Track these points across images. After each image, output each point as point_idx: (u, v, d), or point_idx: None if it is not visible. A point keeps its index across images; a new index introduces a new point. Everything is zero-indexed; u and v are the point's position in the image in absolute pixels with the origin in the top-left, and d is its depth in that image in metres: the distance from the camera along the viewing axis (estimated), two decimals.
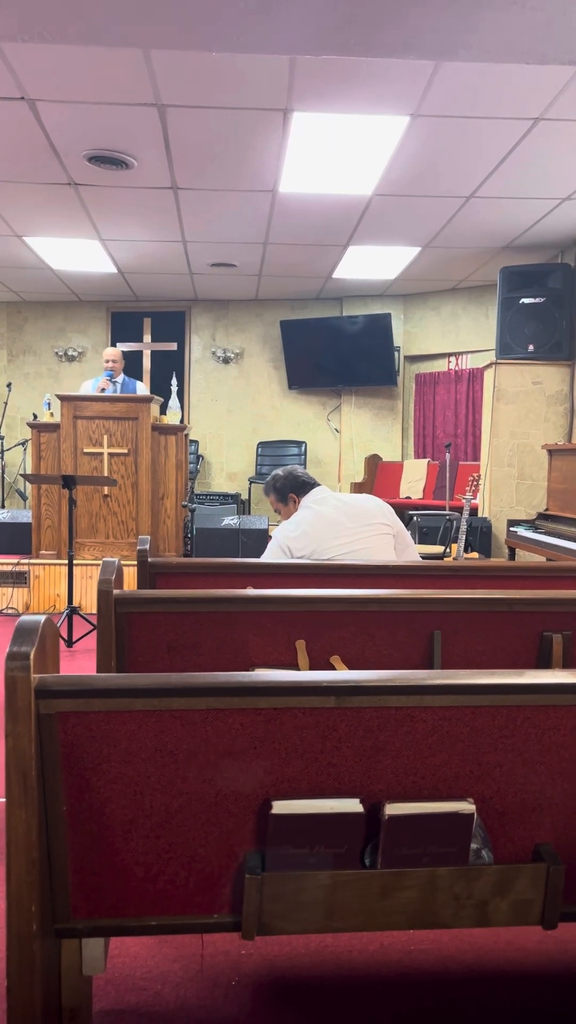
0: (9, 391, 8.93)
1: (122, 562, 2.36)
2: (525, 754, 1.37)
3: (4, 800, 1.24)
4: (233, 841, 1.37)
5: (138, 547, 2.75)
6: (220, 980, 1.77)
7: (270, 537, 3.14)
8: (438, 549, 6.16)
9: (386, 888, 1.36)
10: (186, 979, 1.78)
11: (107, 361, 6.53)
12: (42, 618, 1.30)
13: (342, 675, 1.33)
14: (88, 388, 6.49)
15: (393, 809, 1.32)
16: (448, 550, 6.12)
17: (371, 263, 7.45)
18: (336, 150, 4.73)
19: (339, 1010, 1.70)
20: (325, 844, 1.34)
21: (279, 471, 3.28)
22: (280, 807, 1.31)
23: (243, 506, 8.96)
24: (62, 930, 1.39)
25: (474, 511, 6.54)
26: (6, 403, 8.93)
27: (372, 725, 1.34)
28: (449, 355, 8.77)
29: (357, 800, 1.33)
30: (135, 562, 3.48)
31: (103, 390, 6.35)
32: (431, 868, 1.35)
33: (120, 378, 6.58)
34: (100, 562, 5.85)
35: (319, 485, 3.22)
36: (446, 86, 3.90)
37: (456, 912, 1.38)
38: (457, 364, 8.76)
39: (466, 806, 1.34)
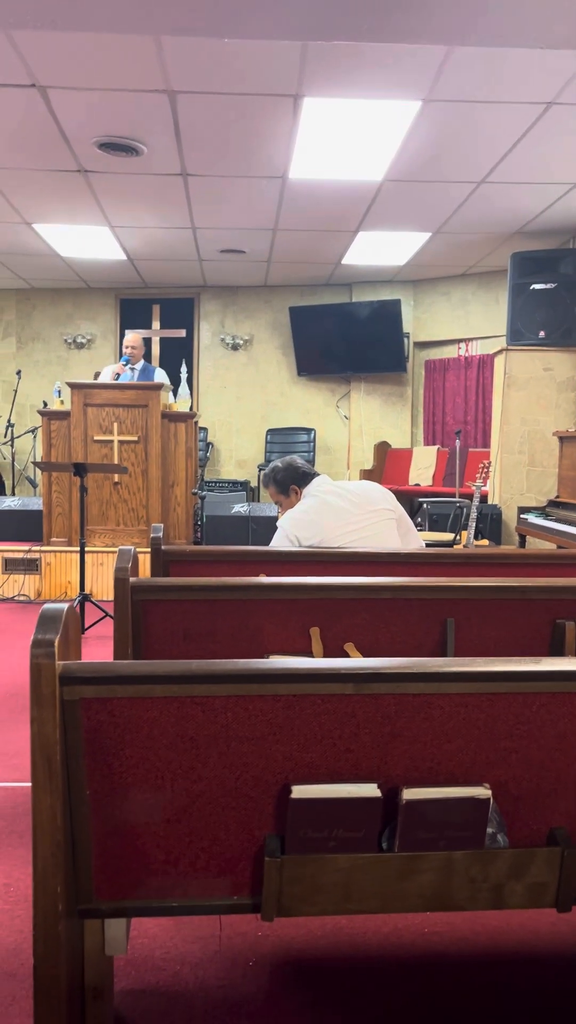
0: (18, 378, 8.95)
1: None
2: (540, 740, 1.39)
3: (30, 785, 1.26)
4: (253, 825, 1.39)
5: (151, 535, 2.77)
6: (238, 961, 1.81)
7: (278, 526, 3.15)
8: (448, 536, 6.17)
9: (403, 871, 1.38)
10: (205, 960, 1.81)
11: (126, 347, 6.55)
12: (65, 606, 1.32)
13: (360, 663, 1.35)
14: (107, 374, 6.51)
15: (410, 794, 1.34)
16: (458, 537, 6.13)
17: (381, 249, 7.43)
18: (346, 136, 4.72)
19: (354, 991, 1.73)
20: (343, 828, 1.36)
21: (277, 462, 3.26)
22: (299, 791, 1.33)
23: (252, 493, 8.97)
24: (85, 911, 1.42)
25: (484, 498, 6.54)
26: (15, 391, 8.95)
27: (390, 712, 1.35)
28: (459, 341, 8.75)
29: (375, 785, 1.35)
30: (147, 549, 3.51)
31: (118, 376, 6.36)
32: (447, 852, 1.37)
33: (139, 364, 6.59)
34: (111, 549, 5.89)
35: (319, 475, 3.22)
36: (457, 70, 3.87)
37: (472, 895, 1.41)
38: (467, 350, 8.73)
39: (482, 791, 1.36)
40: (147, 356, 9.22)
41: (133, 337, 6.62)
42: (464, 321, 8.58)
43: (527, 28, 3.19)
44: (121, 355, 6.60)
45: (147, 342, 9.25)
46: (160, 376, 6.58)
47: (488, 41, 3.27)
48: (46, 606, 1.31)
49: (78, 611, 4.95)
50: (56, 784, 1.27)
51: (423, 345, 9.01)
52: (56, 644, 1.25)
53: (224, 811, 1.38)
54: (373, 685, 1.33)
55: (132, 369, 6.51)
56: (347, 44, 3.54)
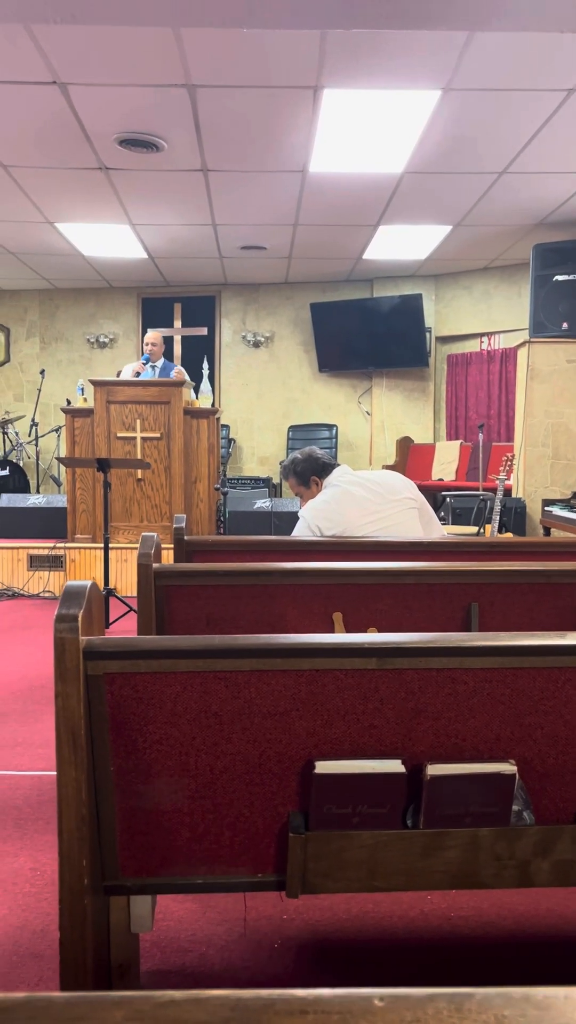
0: (42, 378, 9.02)
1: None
2: (566, 716, 1.37)
3: (55, 773, 1.27)
4: (277, 801, 1.39)
5: (174, 525, 2.78)
6: (263, 943, 1.81)
7: (300, 516, 3.14)
8: (472, 530, 6.13)
9: (428, 848, 1.37)
10: (230, 942, 1.81)
11: (147, 344, 6.59)
12: (88, 583, 1.32)
13: (383, 637, 1.35)
14: (128, 372, 6.56)
15: (435, 770, 1.33)
16: (482, 531, 6.09)
17: (402, 243, 7.40)
18: (366, 127, 4.71)
19: (380, 973, 1.72)
20: (367, 804, 1.35)
21: (297, 454, 3.24)
22: (323, 767, 1.33)
23: (274, 489, 8.98)
24: (111, 887, 1.42)
25: (508, 492, 6.49)
26: (39, 390, 9.03)
27: (413, 687, 1.35)
28: (481, 335, 8.70)
29: (399, 761, 1.34)
30: (169, 545, 3.52)
31: (138, 374, 6.40)
32: (473, 829, 1.36)
33: (160, 362, 6.63)
34: (135, 545, 5.91)
35: (340, 465, 3.20)
36: (478, 58, 3.85)
37: (497, 872, 1.39)
38: (489, 344, 8.68)
39: (507, 767, 1.34)
40: (169, 355, 9.29)
41: (153, 335, 6.66)
42: (486, 315, 8.53)
43: (550, 13, 3.16)
44: (142, 354, 6.64)
45: (169, 340, 9.30)
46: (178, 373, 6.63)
47: (510, 26, 3.25)
48: (70, 583, 1.32)
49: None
50: (81, 758, 1.27)
51: (445, 339, 8.96)
52: (80, 619, 1.26)
53: (248, 787, 1.38)
54: (396, 660, 1.32)
55: (153, 367, 6.55)
56: (366, 33, 3.53)
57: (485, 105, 4.41)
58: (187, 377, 6.49)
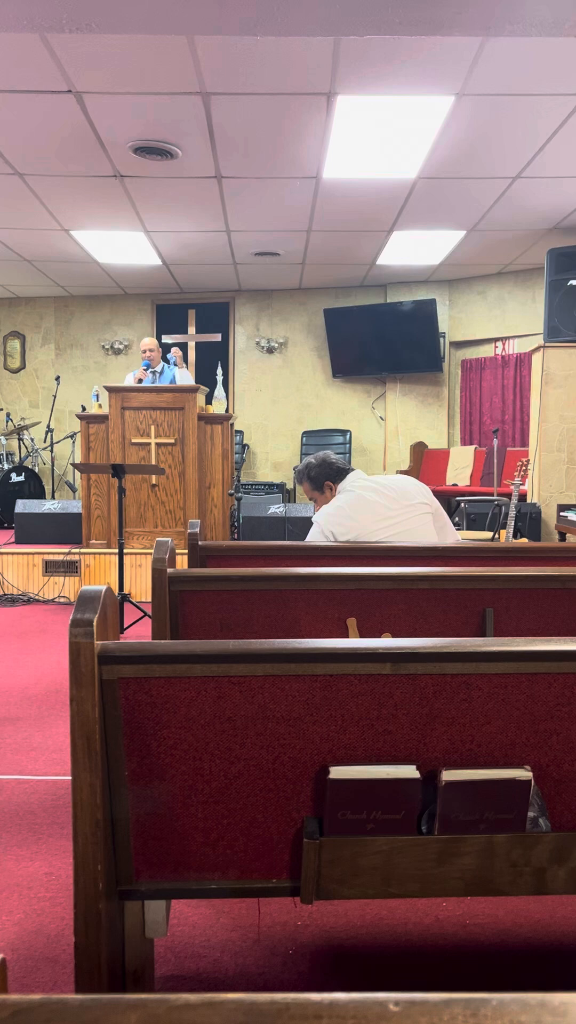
0: (58, 384, 9.08)
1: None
2: None
3: (70, 778, 1.27)
4: (291, 806, 1.39)
5: (188, 531, 2.78)
6: (277, 949, 1.80)
7: (313, 522, 3.13)
8: (486, 535, 6.11)
9: (443, 854, 1.36)
10: (244, 948, 1.81)
11: (144, 351, 6.64)
12: (103, 587, 1.33)
13: (398, 642, 1.34)
14: (129, 380, 6.60)
15: (450, 775, 1.33)
16: (496, 536, 6.07)
17: (415, 248, 7.40)
18: (380, 133, 4.71)
19: (395, 981, 1.71)
20: (382, 810, 1.35)
21: (311, 458, 3.22)
22: (337, 772, 1.32)
23: (288, 495, 8.99)
24: (125, 892, 1.42)
25: (523, 497, 6.47)
26: (55, 396, 9.08)
27: (428, 692, 1.34)
28: (495, 340, 8.68)
29: (413, 766, 1.34)
30: (184, 550, 3.52)
31: (140, 380, 6.44)
32: (488, 835, 1.35)
33: (160, 367, 6.66)
34: (149, 551, 5.93)
35: (354, 470, 3.19)
36: (492, 63, 3.85)
37: (513, 879, 1.39)
38: (504, 349, 8.66)
39: (523, 773, 1.34)
40: (183, 361, 9.33)
41: (149, 341, 6.73)
42: (500, 320, 8.51)
43: (564, 18, 3.16)
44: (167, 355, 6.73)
45: (183, 347, 9.33)
46: (181, 377, 6.66)
47: (524, 32, 3.25)
48: (84, 587, 1.32)
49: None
50: (96, 762, 1.28)
51: (459, 345, 8.95)
52: (95, 623, 1.27)
53: (262, 792, 1.38)
54: (411, 665, 1.32)
55: (154, 372, 6.59)
56: (379, 39, 3.54)
57: (498, 110, 4.41)
58: (184, 365, 6.54)
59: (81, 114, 4.48)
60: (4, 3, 2.87)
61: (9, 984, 1.69)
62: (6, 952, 1.81)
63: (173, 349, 6.89)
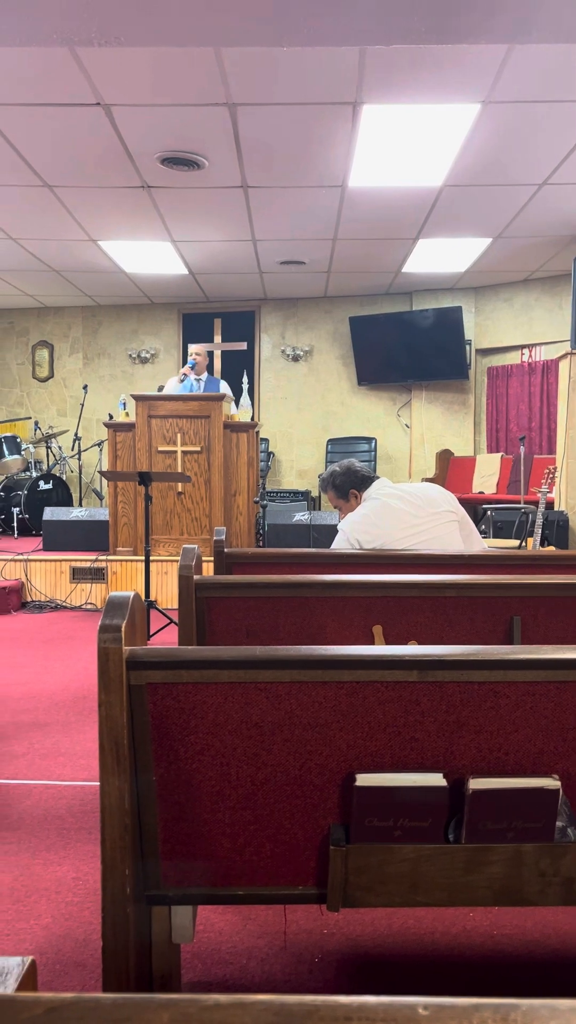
0: (85, 393, 9.16)
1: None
2: None
3: (99, 783, 1.28)
4: (317, 813, 1.39)
5: (215, 538, 2.80)
6: (304, 957, 1.80)
7: (339, 529, 3.13)
8: (513, 543, 6.07)
9: (470, 863, 1.36)
10: (271, 955, 1.81)
11: (193, 355, 6.73)
12: (131, 594, 1.34)
13: (425, 649, 1.34)
14: (171, 384, 6.67)
15: (477, 784, 1.32)
16: (523, 544, 6.03)
17: (441, 256, 7.39)
18: (405, 142, 4.72)
19: (421, 990, 1.70)
20: (409, 818, 1.34)
21: (336, 466, 3.22)
22: (364, 780, 1.33)
23: (313, 503, 8.99)
24: (153, 897, 1.43)
25: (550, 505, 6.42)
26: (82, 405, 9.17)
27: (455, 700, 1.34)
28: (522, 347, 8.63)
29: (440, 774, 1.33)
30: (210, 558, 3.54)
31: (184, 377, 6.52)
32: (516, 844, 1.35)
33: (204, 376, 6.73)
34: (175, 558, 5.97)
35: (379, 478, 3.18)
36: (519, 70, 3.85)
37: (541, 889, 1.37)
38: (530, 356, 8.61)
39: (551, 782, 1.33)
40: (209, 369, 9.39)
41: (200, 347, 6.81)
42: (527, 327, 8.47)
43: None
44: (186, 362, 6.81)
45: (209, 355, 9.40)
46: (224, 389, 6.70)
47: (551, 38, 3.24)
48: (113, 593, 1.33)
49: None
50: (124, 767, 1.29)
51: (485, 352, 8.91)
52: (123, 629, 1.28)
53: (289, 799, 1.39)
54: (438, 672, 1.31)
55: (198, 380, 6.64)
56: (405, 48, 3.55)
57: (525, 117, 4.40)
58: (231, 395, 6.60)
59: (109, 126, 4.53)
60: (36, 18, 2.92)
61: (38, 987, 1.71)
62: (35, 955, 1.82)
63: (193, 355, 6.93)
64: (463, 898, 1.38)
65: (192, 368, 6.62)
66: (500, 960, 1.78)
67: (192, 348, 6.81)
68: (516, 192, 5.64)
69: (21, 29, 3.04)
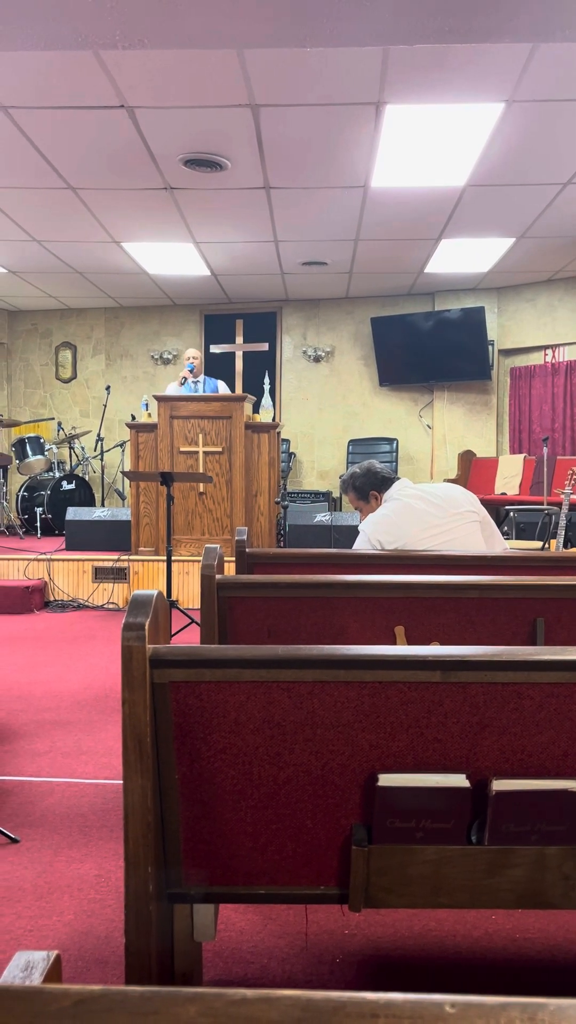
0: (108, 394, 9.22)
1: None
2: None
3: (121, 781, 1.29)
4: (339, 813, 1.39)
5: (236, 537, 2.80)
6: (324, 957, 1.80)
7: (360, 530, 3.12)
8: (536, 545, 6.03)
9: (493, 865, 1.35)
10: (292, 955, 1.81)
11: (189, 359, 6.81)
12: (154, 592, 1.35)
13: (448, 650, 1.34)
14: (174, 388, 6.73)
15: (500, 785, 1.32)
16: (547, 546, 5.98)
17: (464, 256, 7.36)
18: (428, 142, 4.71)
19: (443, 993, 1.69)
20: (431, 819, 1.34)
21: (356, 468, 3.21)
22: (386, 780, 1.32)
23: (334, 504, 8.98)
24: (175, 895, 1.44)
25: (573, 506, 6.37)
26: (105, 406, 9.22)
27: (478, 701, 1.33)
28: (545, 348, 8.57)
29: (463, 775, 1.33)
30: (231, 558, 3.56)
31: (184, 380, 6.60)
32: (539, 847, 1.34)
33: (201, 377, 6.78)
34: (197, 558, 5.99)
35: (400, 478, 3.17)
36: (543, 69, 3.82)
37: (565, 893, 1.36)
38: (554, 357, 8.55)
39: (575, 784, 1.32)
40: (230, 370, 9.40)
41: (195, 351, 6.97)
42: (551, 327, 8.41)
43: None
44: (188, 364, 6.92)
45: (230, 356, 9.41)
46: (222, 389, 6.79)
47: (572, 37, 3.22)
48: (136, 592, 1.34)
49: None
50: (147, 765, 1.29)
51: (508, 352, 8.86)
52: (147, 628, 1.28)
53: (310, 799, 1.39)
54: (461, 673, 1.31)
55: (195, 382, 6.70)
56: (428, 48, 3.54)
57: (549, 116, 4.37)
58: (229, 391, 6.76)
59: (133, 128, 4.56)
60: (60, 22, 2.94)
61: (62, 982, 1.72)
62: (57, 952, 1.83)
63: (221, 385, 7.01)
64: (485, 900, 1.37)
65: (191, 371, 6.67)
66: (523, 964, 1.77)
67: (188, 352, 6.91)
68: (540, 191, 5.60)
69: (46, 33, 3.07)
